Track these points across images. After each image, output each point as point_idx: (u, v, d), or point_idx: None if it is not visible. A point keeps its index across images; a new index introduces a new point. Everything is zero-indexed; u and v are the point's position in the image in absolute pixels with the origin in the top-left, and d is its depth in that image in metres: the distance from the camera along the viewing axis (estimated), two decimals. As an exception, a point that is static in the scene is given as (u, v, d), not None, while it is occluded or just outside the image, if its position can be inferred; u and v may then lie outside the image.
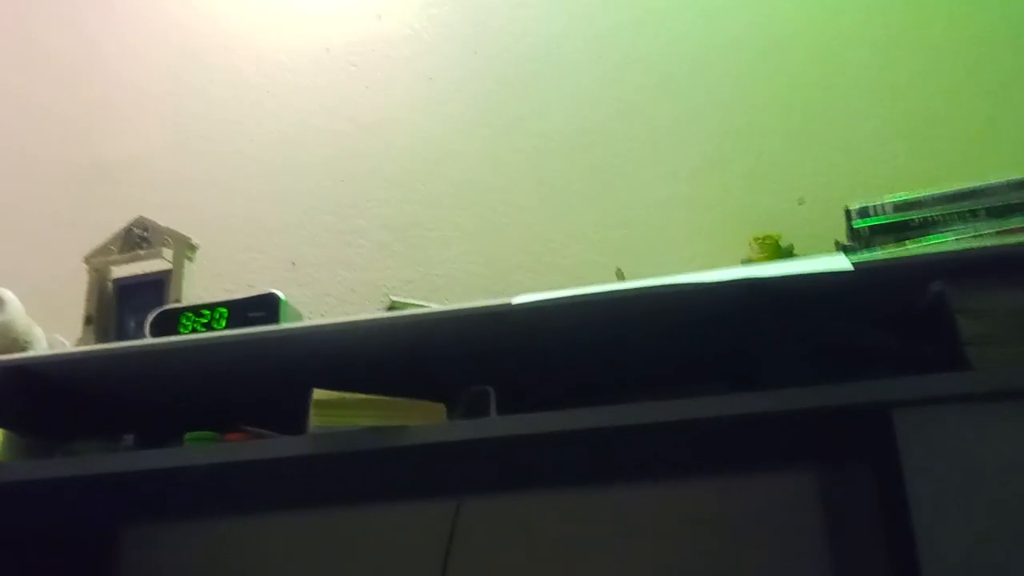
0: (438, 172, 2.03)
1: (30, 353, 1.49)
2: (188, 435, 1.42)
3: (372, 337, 1.35)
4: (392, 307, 1.38)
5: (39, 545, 1.73)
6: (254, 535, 1.86)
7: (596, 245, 1.90)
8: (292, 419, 1.35)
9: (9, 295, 1.60)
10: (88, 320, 1.66)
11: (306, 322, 1.36)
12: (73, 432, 1.49)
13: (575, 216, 1.93)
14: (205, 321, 1.48)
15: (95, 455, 1.42)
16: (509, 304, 1.25)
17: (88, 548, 1.85)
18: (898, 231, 1.33)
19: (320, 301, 1.93)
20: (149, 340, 1.41)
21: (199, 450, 1.38)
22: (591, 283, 1.25)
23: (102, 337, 1.64)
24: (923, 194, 1.32)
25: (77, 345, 1.62)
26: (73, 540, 1.81)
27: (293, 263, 2.01)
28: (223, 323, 1.46)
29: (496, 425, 1.27)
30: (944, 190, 1.32)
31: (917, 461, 1.13)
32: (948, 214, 1.31)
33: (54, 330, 1.65)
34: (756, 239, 1.59)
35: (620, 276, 1.63)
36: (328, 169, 2.09)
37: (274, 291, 1.46)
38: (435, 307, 1.31)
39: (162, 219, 1.70)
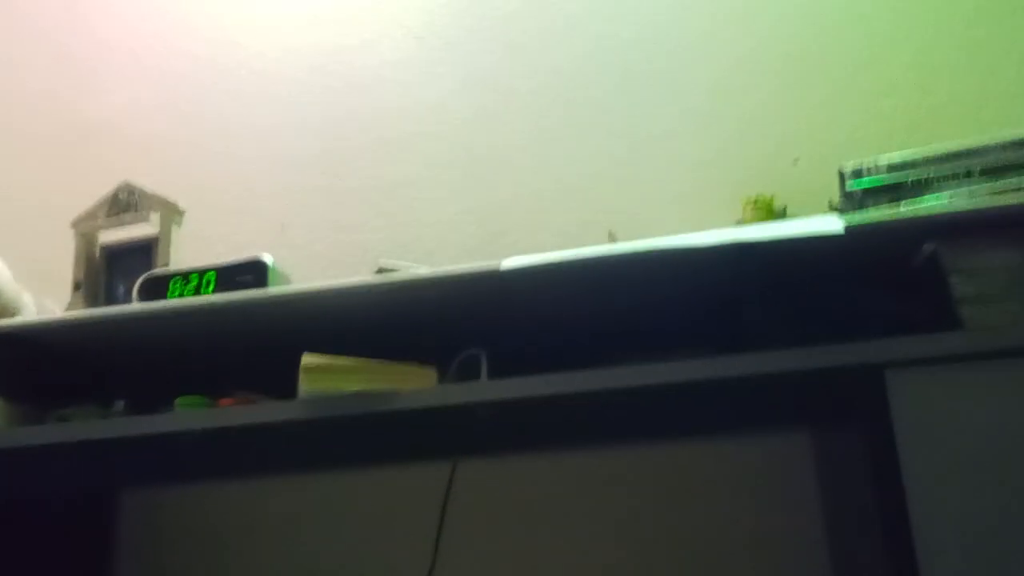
0: (429, 132, 2.01)
1: (19, 319, 1.48)
2: (179, 400, 1.42)
3: (362, 301, 1.34)
4: (382, 270, 1.37)
5: (39, 511, 1.74)
6: (250, 498, 1.87)
7: (589, 205, 1.88)
8: (284, 383, 1.35)
9: (-3, 261, 1.59)
10: (77, 286, 1.65)
11: (294, 287, 1.35)
12: (65, 398, 1.49)
13: (568, 176, 1.91)
14: (193, 286, 1.47)
15: (87, 421, 1.42)
16: (498, 268, 1.25)
17: (87, 513, 1.87)
18: (892, 192, 1.31)
19: (311, 263, 1.91)
20: (138, 305, 1.40)
21: (191, 415, 1.38)
22: (585, 243, 1.25)
23: (91, 302, 1.64)
24: (917, 154, 1.31)
25: (67, 311, 1.61)
26: (72, 506, 1.82)
27: (283, 225, 2.00)
28: (211, 288, 1.45)
29: (486, 389, 1.28)
30: (938, 150, 1.31)
31: (910, 421, 1.14)
32: (942, 174, 1.29)
33: (43, 296, 1.64)
34: (749, 200, 1.58)
35: (612, 238, 1.62)
36: (317, 130, 2.06)
37: (262, 255, 1.45)
38: (424, 271, 1.30)
39: (149, 182, 1.68)
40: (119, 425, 1.38)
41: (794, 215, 1.50)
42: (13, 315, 1.54)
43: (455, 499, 1.74)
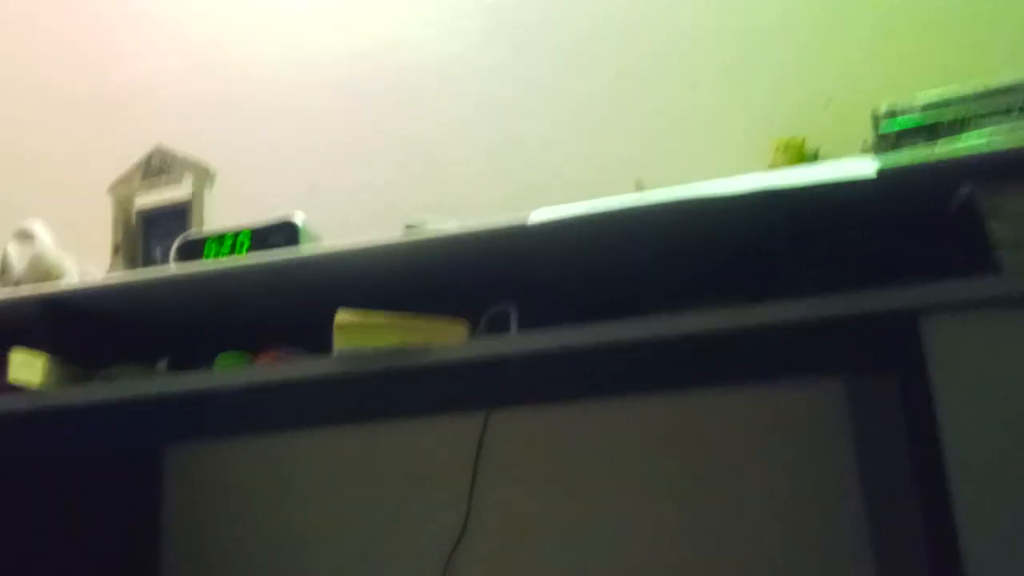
0: (455, 89, 2.00)
1: (64, 284, 1.52)
2: (219, 358, 1.45)
3: (392, 258, 1.35)
4: (410, 228, 1.38)
5: (88, 468, 1.79)
6: (288, 452, 1.92)
7: (617, 155, 1.86)
8: (319, 340, 1.37)
9: (39, 227, 1.62)
10: (116, 249, 1.68)
11: (325, 246, 1.37)
12: (110, 359, 1.53)
13: (595, 128, 1.90)
14: (228, 247, 1.49)
15: (131, 380, 1.46)
16: (526, 221, 1.24)
17: (134, 469, 1.93)
18: (928, 132, 1.27)
19: (340, 223, 1.91)
20: (176, 267, 1.43)
21: (230, 372, 1.41)
22: (613, 194, 1.23)
23: (130, 266, 1.68)
24: (954, 92, 1.27)
25: (107, 274, 1.65)
26: (119, 462, 1.88)
27: (311, 186, 2.01)
28: (245, 248, 1.48)
29: (517, 341, 1.28)
30: (976, 87, 1.26)
31: (946, 368, 1.11)
32: (980, 113, 1.25)
33: (84, 260, 1.68)
34: (780, 144, 1.55)
35: (640, 187, 1.60)
36: (343, 89, 2.07)
37: (293, 215, 1.47)
38: (452, 227, 1.30)
39: (180, 144, 1.70)
40: (162, 383, 1.41)
41: (826, 158, 1.47)
42: (57, 280, 1.58)
43: (487, 451, 1.76)
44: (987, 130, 1.25)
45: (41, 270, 1.60)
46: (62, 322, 1.50)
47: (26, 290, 1.47)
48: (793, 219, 1.25)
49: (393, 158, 1.99)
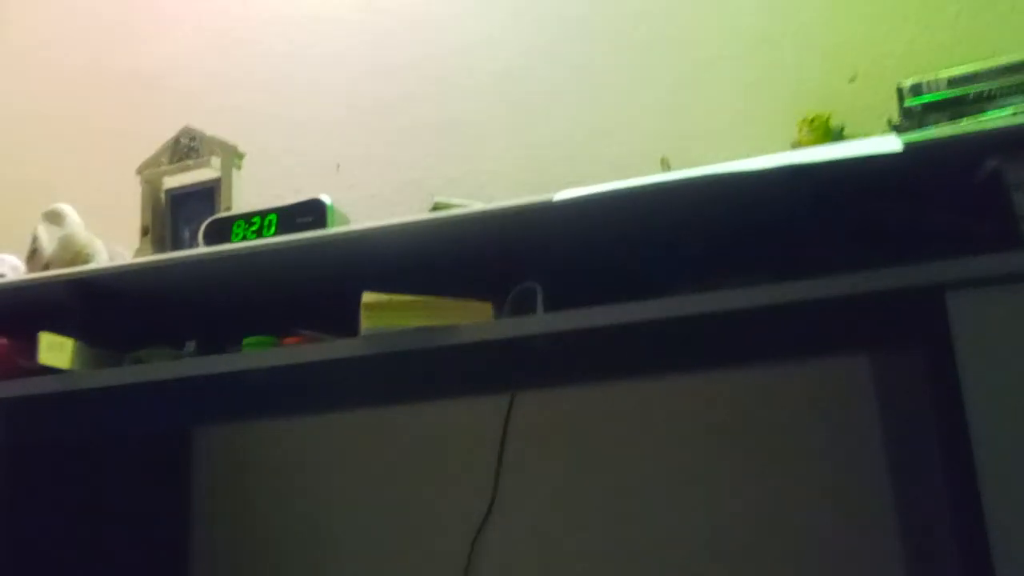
0: (478, 66, 2.00)
1: (93, 266, 1.53)
2: (247, 340, 1.46)
3: (418, 239, 1.35)
4: (436, 208, 1.39)
5: (118, 450, 1.82)
6: (316, 433, 1.94)
7: (642, 133, 1.86)
8: (346, 322, 1.38)
9: (68, 209, 1.64)
10: (145, 231, 1.70)
11: (353, 226, 1.37)
12: (138, 341, 1.54)
13: (619, 104, 1.89)
14: (256, 228, 1.50)
15: (160, 362, 1.47)
16: (551, 200, 1.25)
17: (163, 451, 1.95)
18: (953, 107, 1.27)
19: (366, 203, 1.94)
20: (205, 249, 1.43)
21: (258, 354, 1.40)
22: (637, 173, 1.24)
23: (159, 247, 1.69)
24: (979, 67, 1.26)
25: (136, 256, 1.66)
26: (148, 444, 1.90)
27: (338, 166, 2.02)
28: (273, 230, 1.49)
29: (543, 321, 1.28)
30: (1001, 62, 1.26)
31: (971, 343, 1.11)
32: (1006, 87, 1.25)
33: (113, 241, 1.69)
34: (805, 120, 1.55)
35: (666, 165, 1.61)
36: (369, 68, 2.07)
37: (321, 196, 1.48)
38: (478, 206, 1.31)
39: (207, 124, 1.71)
40: (191, 365, 1.42)
41: (851, 135, 1.47)
42: (87, 262, 1.60)
43: (514, 431, 1.77)
44: (1012, 106, 1.25)
45: (70, 252, 1.61)
46: (91, 304, 1.51)
47: (55, 272, 1.48)
48: (819, 196, 1.25)
49: (419, 137, 2.00)
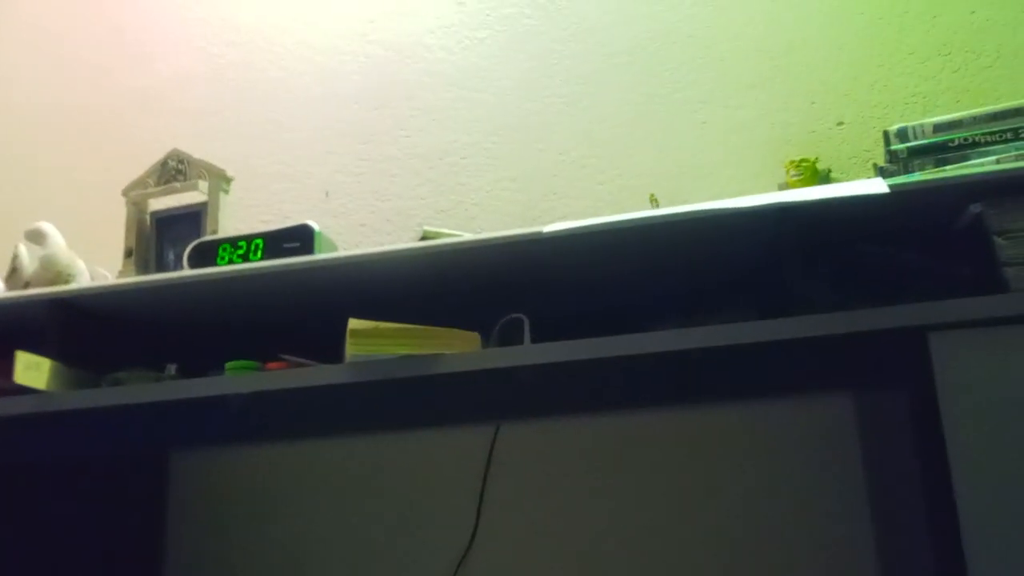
0: (471, 98, 2.01)
1: (73, 286, 1.52)
2: (229, 364, 1.44)
3: (406, 267, 1.35)
4: (425, 237, 1.39)
5: (93, 471, 1.79)
6: (297, 461, 1.91)
7: (631, 170, 1.88)
8: (331, 349, 1.37)
9: (50, 228, 1.62)
10: (128, 253, 1.68)
11: (341, 252, 1.36)
12: (118, 363, 1.53)
13: (610, 141, 1.91)
14: (242, 252, 1.49)
15: (139, 384, 1.45)
16: (541, 233, 1.25)
17: (140, 474, 1.92)
18: (938, 153, 1.30)
19: (354, 231, 1.93)
20: (189, 272, 1.42)
21: (240, 379, 1.38)
22: (627, 209, 1.24)
23: (142, 269, 1.67)
24: (964, 115, 1.29)
25: (119, 277, 1.65)
26: (125, 466, 1.87)
27: (327, 193, 2.02)
28: (259, 254, 1.48)
29: (530, 353, 1.27)
30: (985, 111, 1.29)
31: (953, 384, 1.12)
32: (989, 135, 1.28)
33: (95, 263, 1.68)
34: (792, 163, 1.57)
35: (654, 202, 1.62)
36: (361, 97, 2.08)
37: (308, 222, 1.47)
38: (468, 236, 1.31)
39: (196, 148, 1.71)
40: (170, 388, 1.40)
41: (838, 178, 1.49)
42: (67, 282, 1.58)
43: (497, 462, 1.76)
44: (995, 152, 1.27)
45: (51, 271, 1.59)
46: (71, 324, 1.49)
47: (35, 291, 1.45)
48: (805, 236, 1.27)
49: (410, 167, 2.01)
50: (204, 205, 1.66)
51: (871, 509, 1.62)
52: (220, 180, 1.66)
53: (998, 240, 1.17)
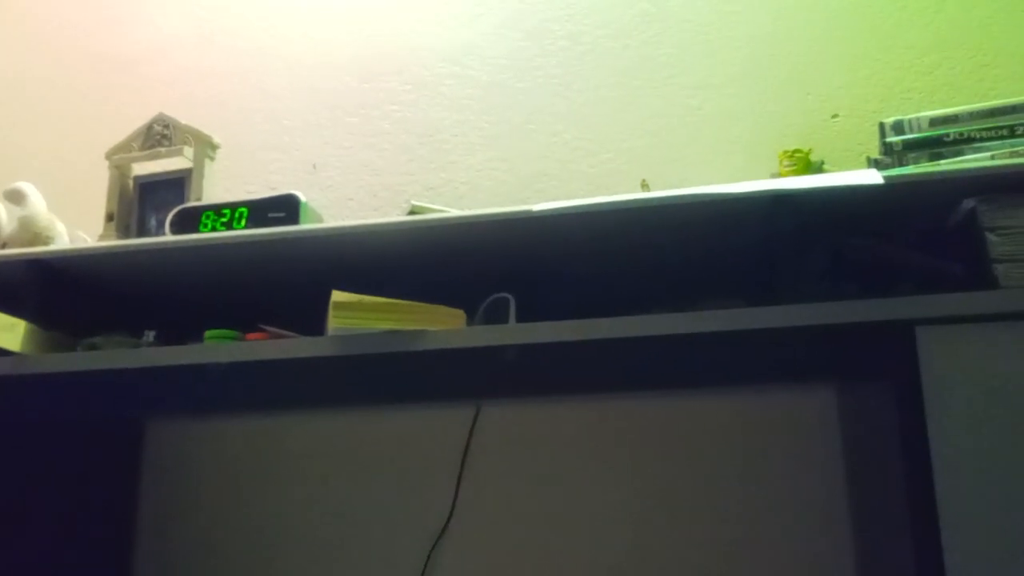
0: (464, 76, 1.99)
1: (52, 248, 1.50)
2: (208, 333, 1.43)
3: (393, 241, 1.34)
4: (413, 212, 1.37)
5: (67, 436, 1.76)
6: (274, 433, 1.90)
7: (623, 154, 1.87)
8: (314, 322, 1.35)
9: (31, 188, 1.60)
10: (110, 217, 1.66)
11: (326, 224, 1.35)
12: (95, 327, 1.51)
13: (602, 124, 1.90)
14: (225, 220, 1.47)
15: (116, 350, 1.43)
16: (530, 211, 1.24)
17: (115, 440, 1.90)
18: (932, 147, 1.30)
19: (341, 205, 1.92)
20: (170, 237, 1.41)
21: (219, 348, 1.37)
22: (616, 193, 1.23)
23: (124, 234, 1.65)
24: (960, 110, 1.29)
25: (99, 241, 1.63)
26: (99, 433, 1.85)
27: (315, 165, 2.00)
28: (243, 223, 1.46)
29: (515, 332, 1.27)
30: (982, 106, 1.28)
31: (938, 379, 1.12)
32: (985, 130, 1.27)
33: (76, 226, 1.65)
34: (786, 153, 1.56)
35: (645, 187, 1.61)
36: (353, 69, 2.05)
37: (295, 192, 1.46)
38: (456, 213, 1.30)
39: (183, 114, 1.68)
40: (148, 355, 1.38)
41: (831, 171, 1.48)
42: (46, 243, 1.56)
43: (478, 441, 1.75)
44: (990, 148, 1.27)
45: (30, 232, 1.57)
46: (49, 286, 1.47)
47: (13, 251, 1.43)
48: (797, 225, 1.26)
49: (399, 142, 1.98)
50: (189, 171, 1.64)
51: (850, 500, 1.63)
52: (206, 146, 1.64)
53: (990, 236, 1.17)
